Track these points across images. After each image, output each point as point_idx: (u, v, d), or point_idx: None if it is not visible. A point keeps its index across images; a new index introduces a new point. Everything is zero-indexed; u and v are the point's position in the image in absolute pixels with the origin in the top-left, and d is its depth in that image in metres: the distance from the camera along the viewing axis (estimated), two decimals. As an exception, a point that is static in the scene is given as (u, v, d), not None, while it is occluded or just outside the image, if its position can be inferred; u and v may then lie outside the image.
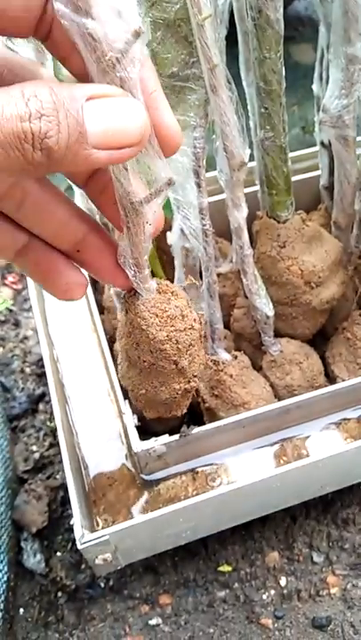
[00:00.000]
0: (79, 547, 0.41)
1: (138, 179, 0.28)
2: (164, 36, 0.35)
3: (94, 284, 0.62)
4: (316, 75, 0.54)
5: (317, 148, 0.58)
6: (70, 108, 0.22)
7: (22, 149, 0.22)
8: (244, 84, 0.49)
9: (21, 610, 0.56)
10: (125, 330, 0.37)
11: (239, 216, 0.43)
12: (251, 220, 0.47)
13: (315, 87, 0.55)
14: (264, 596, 0.54)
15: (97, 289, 0.62)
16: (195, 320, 0.37)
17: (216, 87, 0.35)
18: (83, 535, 0.41)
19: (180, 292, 0.37)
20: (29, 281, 0.66)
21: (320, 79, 0.54)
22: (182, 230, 0.48)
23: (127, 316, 0.36)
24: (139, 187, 0.28)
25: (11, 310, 0.81)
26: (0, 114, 0.21)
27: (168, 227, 0.50)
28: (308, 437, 0.50)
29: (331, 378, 0.54)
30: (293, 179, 0.47)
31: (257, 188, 0.53)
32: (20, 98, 0.22)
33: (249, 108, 0.49)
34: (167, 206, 0.48)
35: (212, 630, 0.53)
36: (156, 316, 0.35)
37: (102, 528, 0.45)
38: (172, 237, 0.49)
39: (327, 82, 0.50)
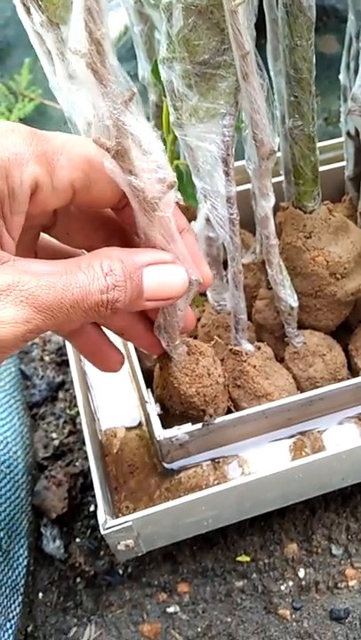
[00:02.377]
0: (102, 532, 0.42)
1: None
2: (195, 22, 0.34)
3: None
4: (343, 64, 0.53)
5: (342, 139, 0.57)
6: (134, 276, 0.29)
7: (98, 311, 0.28)
8: (271, 72, 0.48)
9: (41, 594, 0.56)
10: (160, 382, 0.44)
11: (266, 205, 0.43)
12: (275, 210, 0.46)
13: (341, 76, 0.54)
14: (282, 587, 0.54)
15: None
16: (219, 376, 0.44)
17: (247, 74, 0.35)
18: (106, 521, 0.42)
19: (207, 350, 0.44)
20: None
21: (347, 68, 0.53)
22: (207, 220, 0.48)
23: (162, 372, 0.43)
24: None
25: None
26: (88, 290, 0.28)
27: (193, 216, 0.50)
28: (326, 430, 0.50)
29: (353, 370, 0.54)
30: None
31: (281, 178, 0.53)
32: (101, 274, 0.28)
33: (276, 96, 0.49)
34: (192, 196, 0.48)
35: (229, 619, 0.53)
36: (187, 375, 0.42)
37: (124, 515, 0.45)
38: (196, 227, 0.49)
39: (355, 71, 0.50)
